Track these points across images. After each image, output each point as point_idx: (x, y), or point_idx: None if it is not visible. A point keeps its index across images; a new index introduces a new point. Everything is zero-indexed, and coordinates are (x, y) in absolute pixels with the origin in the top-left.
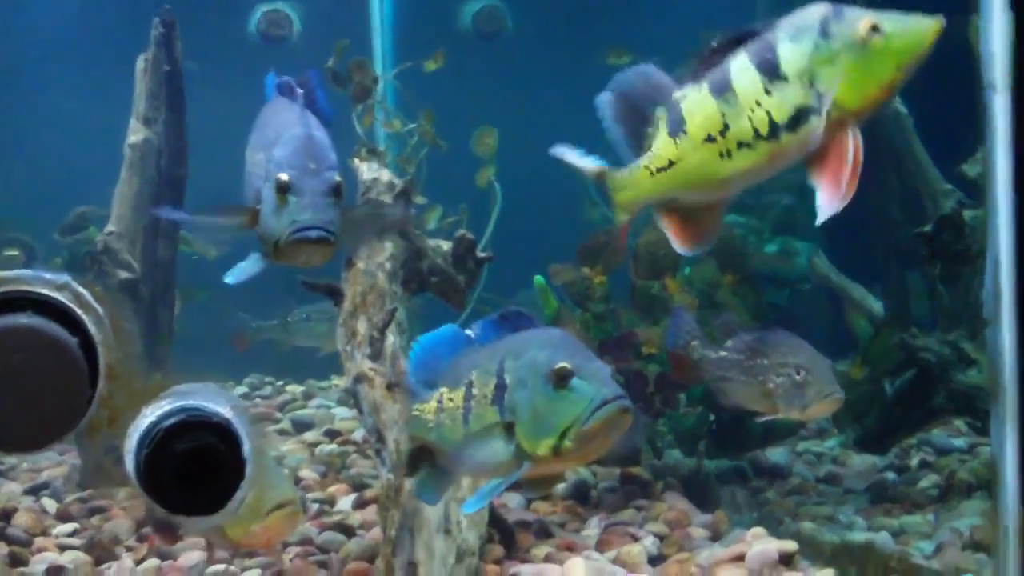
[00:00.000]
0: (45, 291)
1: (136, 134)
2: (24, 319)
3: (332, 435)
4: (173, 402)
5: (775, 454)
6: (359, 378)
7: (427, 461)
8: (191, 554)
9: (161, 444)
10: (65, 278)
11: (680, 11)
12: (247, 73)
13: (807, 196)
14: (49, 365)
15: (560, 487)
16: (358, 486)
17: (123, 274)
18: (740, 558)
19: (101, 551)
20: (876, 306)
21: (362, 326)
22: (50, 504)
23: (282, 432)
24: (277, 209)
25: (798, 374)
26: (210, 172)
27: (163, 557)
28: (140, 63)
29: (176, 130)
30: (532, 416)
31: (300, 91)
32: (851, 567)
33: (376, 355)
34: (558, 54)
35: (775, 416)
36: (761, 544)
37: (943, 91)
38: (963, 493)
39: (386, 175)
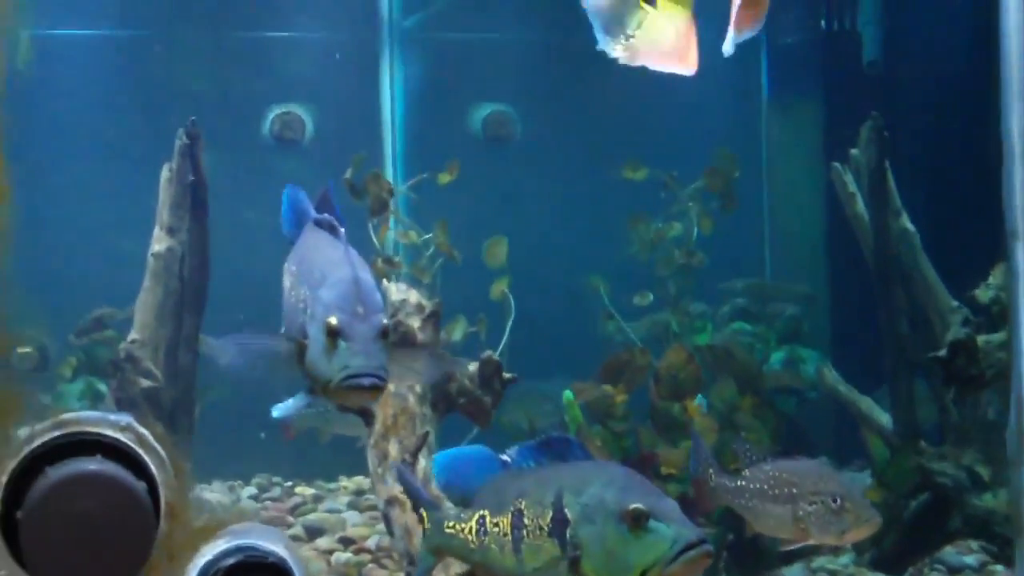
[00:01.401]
0: (109, 433)
1: (160, 243)
2: (93, 465)
3: (346, 542)
4: (229, 541)
5: (791, 571)
6: (391, 502)
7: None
8: None
9: None
10: (128, 419)
11: (685, 120)
12: (262, 175)
13: (813, 306)
14: (117, 509)
15: None
16: None
17: (145, 382)
18: None
19: None
20: (883, 418)
21: (393, 448)
22: None
23: (295, 538)
24: (327, 351)
25: (835, 502)
26: (226, 274)
27: None
28: (165, 173)
29: (199, 239)
30: (606, 556)
31: (342, 229)
32: None
33: None
34: (567, 159)
35: (807, 543)
36: None
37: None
38: None
39: (414, 296)
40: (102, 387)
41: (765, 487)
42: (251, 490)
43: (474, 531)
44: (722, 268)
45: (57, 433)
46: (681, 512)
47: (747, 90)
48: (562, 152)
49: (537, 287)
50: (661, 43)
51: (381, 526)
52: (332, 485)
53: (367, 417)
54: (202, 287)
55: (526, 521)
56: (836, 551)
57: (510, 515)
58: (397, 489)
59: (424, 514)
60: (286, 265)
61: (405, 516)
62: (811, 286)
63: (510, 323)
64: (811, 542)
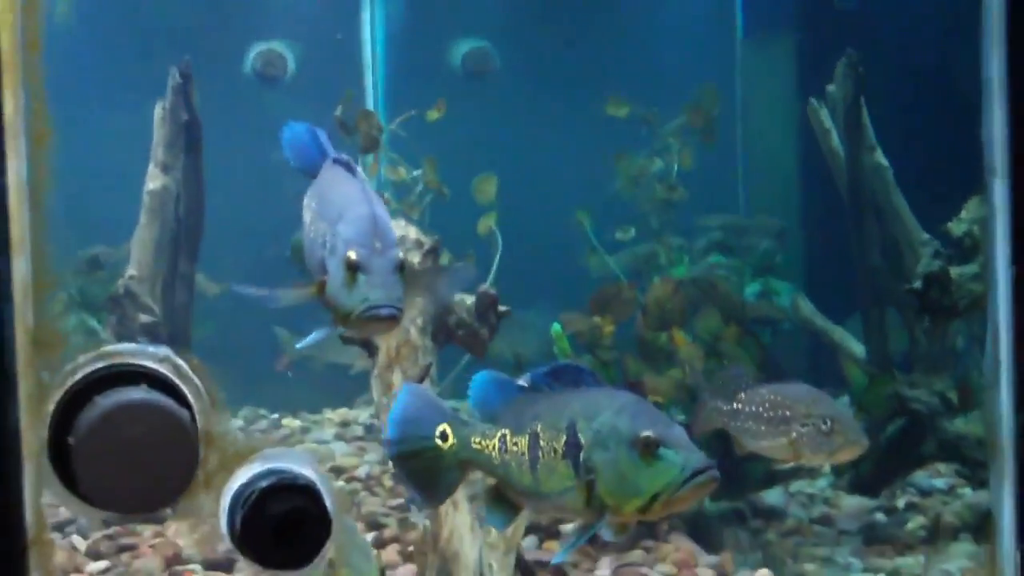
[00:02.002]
0: (149, 364)
1: (154, 181)
2: (139, 393)
3: (337, 472)
4: (262, 465)
5: (770, 495)
6: None
7: (495, 490)
8: None
9: (256, 505)
10: (166, 351)
11: (662, 56)
12: (245, 112)
13: (786, 240)
14: (164, 435)
15: (568, 527)
16: (374, 525)
17: (144, 317)
18: None
19: None
20: (856, 347)
21: (397, 378)
22: (79, 541)
23: None
24: (346, 284)
25: (825, 424)
26: (217, 211)
27: None
28: (158, 111)
29: (194, 177)
30: (618, 480)
31: (359, 168)
32: None
33: None
34: (547, 93)
35: (798, 463)
36: None
37: (922, 144)
38: (949, 535)
39: (413, 232)
40: (94, 323)
41: (759, 410)
42: (238, 422)
43: (496, 448)
44: (697, 203)
45: (100, 364)
46: (688, 439)
47: (722, 27)
48: (541, 88)
49: (522, 222)
50: None
51: (369, 456)
52: (317, 417)
53: (370, 349)
54: (197, 224)
55: (541, 443)
56: (813, 474)
57: (527, 436)
58: None
59: (450, 430)
60: (305, 201)
61: None
62: (784, 220)
63: (497, 257)
64: (802, 462)
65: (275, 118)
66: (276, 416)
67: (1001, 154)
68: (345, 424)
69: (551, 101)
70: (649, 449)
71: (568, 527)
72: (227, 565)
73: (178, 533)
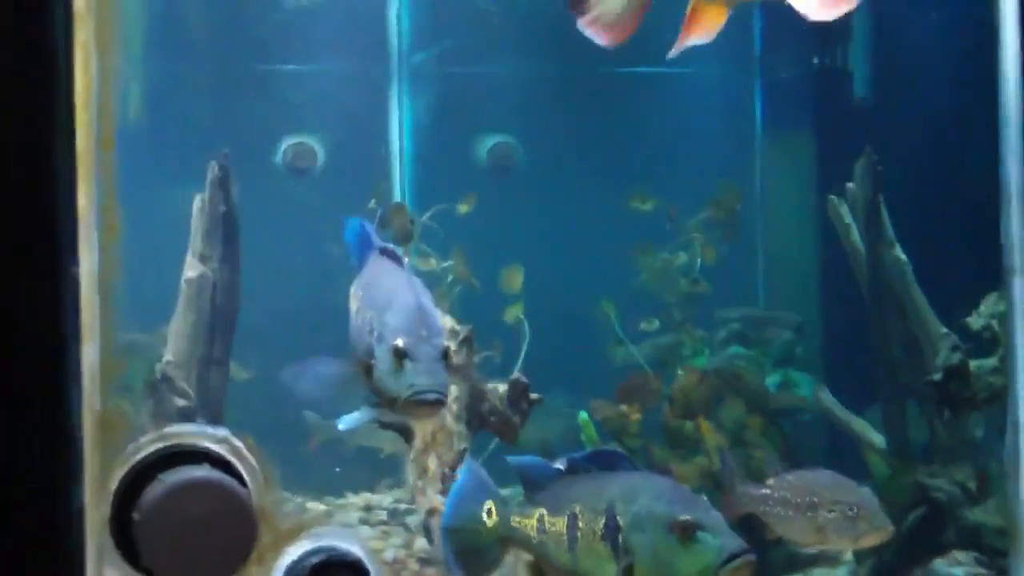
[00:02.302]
0: (208, 444)
1: (192, 270)
2: (202, 472)
3: None
4: (312, 542)
5: None
6: (431, 512)
7: (535, 568)
8: None
9: None
10: (225, 432)
11: (683, 153)
12: (276, 203)
13: (806, 332)
14: (225, 513)
15: None
16: None
17: (180, 402)
18: None
19: None
20: (876, 438)
21: (432, 463)
22: None
23: None
24: (393, 371)
25: (851, 510)
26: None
27: None
28: (197, 203)
29: (231, 267)
30: (657, 563)
31: (406, 259)
32: None
33: (447, 491)
34: (570, 188)
35: (824, 547)
36: None
37: (940, 241)
38: None
39: (448, 322)
40: (127, 407)
41: (788, 495)
42: None
43: (535, 528)
44: (718, 296)
45: (161, 445)
46: (725, 524)
47: (742, 125)
48: (565, 183)
49: (548, 313)
50: None
51: (394, 539)
52: (340, 501)
53: (407, 434)
54: (232, 312)
55: (580, 524)
56: (833, 563)
57: (566, 517)
58: (437, 500)
59: (494, 507)
60: (352, 290)
61: None
62: (803, 314)
63: (525, 346)
64: (829, 547)
65: (306, 210)
66: (300, 500)
67: (1020, 253)
68: (368, 508)
69: (575, 196)
70: (687, 532)
71: None
72: None
73: None
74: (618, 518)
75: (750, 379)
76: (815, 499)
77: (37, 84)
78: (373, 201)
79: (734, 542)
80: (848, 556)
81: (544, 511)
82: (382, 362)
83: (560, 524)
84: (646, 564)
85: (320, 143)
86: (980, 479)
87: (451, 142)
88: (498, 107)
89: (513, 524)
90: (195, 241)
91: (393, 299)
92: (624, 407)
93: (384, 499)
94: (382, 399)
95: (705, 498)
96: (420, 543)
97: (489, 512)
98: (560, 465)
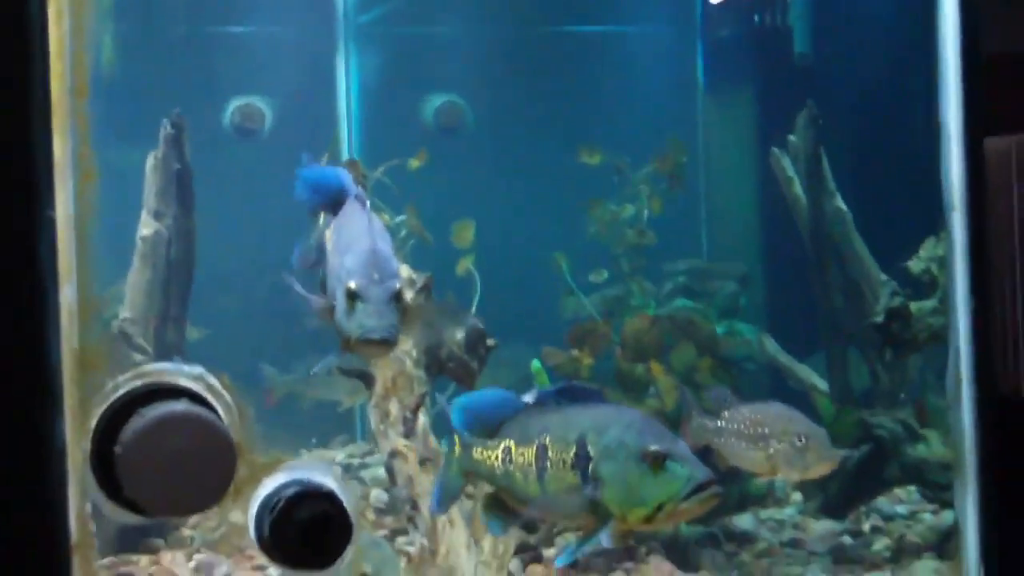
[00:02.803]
0: (184, 381)
1: (147, 227)
2: (182, 406)
3: None
4: (288, 475)
5: (742, 521)
6: (394, 454)
7: (494, 498)
8: None
9: (283, 511)
10: (200, 369)
11: (627, 110)
12: (225, 164)
13: (749, 284)
14: (206, 446)
15: (550, 552)
16: None
17: (137, 357)
18: None
19: None
20: (820, 384)
21: (394, 407)
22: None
23: None
24: (347, 312)
25: (800, 440)
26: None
27: None
28: (150, 160)
29: (185, 223)
30: (626, 490)
31: (368, 202)
32: None
33: (409, 433)
34: (519, 146)
35: (775, 477)
36: None
37: (879, 190)
38: (913, 555)
39: (405, 271)
40: None
41: (741, 427)
42: None
43: (500, 459)
44: (663, 249)
45: (139, 382)
46: (693, 455)
47: (684, 82)
48: (513, 141)
49: (498, 266)
50: None
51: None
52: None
53: (367, 380)
54: (188, 269)
55: (550, 455)
56: (781, 503)
57: (535, 448)
58: (400, 442)
59: (457, 439)
60: (327, 234)
61: (407, 466)
62: (746, 265)
63: (476, 298)
64: (779, 476)
65: (254, 169)
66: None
67: (959, 190)
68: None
69: (523, 153)
70: (657, 462)
71: (550, 552)
72: None
73: (174, 561)
74: (589, 448)
75: (701, 324)
76: (766, 430)
77: (12, 36)
78: (326, 158)
79: (702, 472)
80: (795, 498)
81: (511, 442)
82: (339, 303)
83: (528, 455)
84: (615, 492)
85: (268, 104)
86: (919, 409)
87: (398, 102)
88: (444, 67)
89: (475, 456)
90: (149, 198)
91: (352, 243)
92: (575, 352)
93: (337, 455)
94: (341, 340)
95: (671, 431)
96: (375, 494)
97: (452, 444)
98: (529, 398)
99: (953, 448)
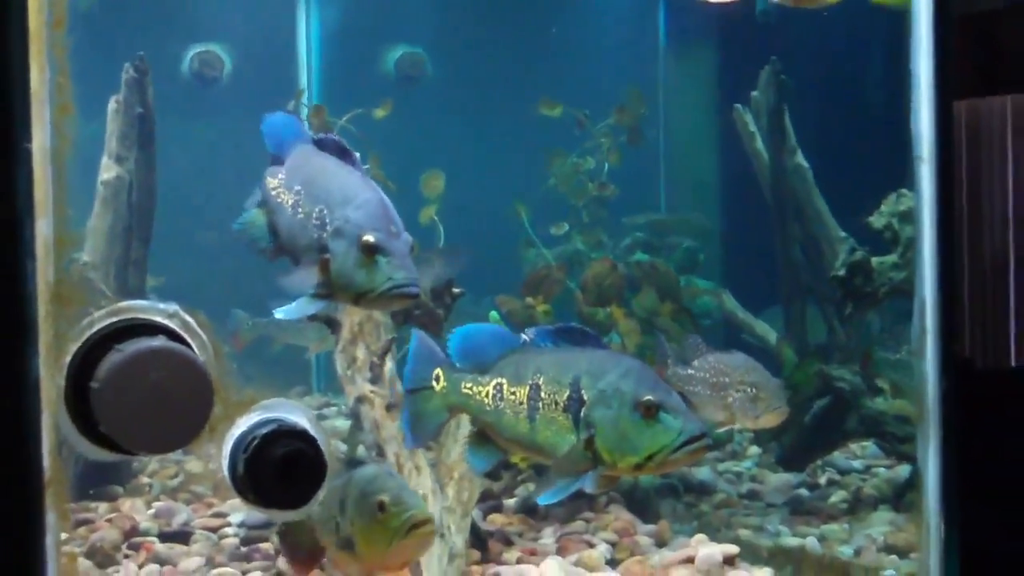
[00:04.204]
0: (159, 319)
1: (108, 171)
2: (160, 342)
3: None
4: (262, 414)
5: (700, 472)
6: (360, 399)
7: (481, 435)
8: (191, 560)
9: (258, 449)
10: (175, 307)
11: (588, 64)
12: (184, 111)
13: (708, 238)
14: (183, 381)
15: (510, 502)
16: None
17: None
18: (689, 560)
19: (103, 556)
20: (776, 339)
21: (360, 353)
22: None
23: None
24: (362, 265)
25: (752, 390)
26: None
27: (162, 563)
28: (112, 104)
29: (147, 168)
30: (618, 437)
31: (356, 153)
32: (787, 566)
33: (376, 379)
34: (479, 97)
35: (732, 426)
36: (706, 548)
37: (840, 147)
38: (870, 506)
39: None
40: None
41: (708, 376)
42: None
43: (490, 395)
44: (622, 202)
45: (115, 319)
46: (687, 407)
47: (645, 35)
48: (474, 92)
49: (460, 217)
50: None
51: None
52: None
53: (333, 326)
54: (149, 214)
55: (543, 395)
56: (738, 457)
57: (528, 387)
58: (367, 388)
59: (441, 373)
60: (275, 183)
61: (373, 412)
62: (706, 220)
63: (440, 247)
64: (737, 425)
65: (214, 117)
66: None
67: (928, 142)
68: None
69: (484, 104)
70: (651, 412)
71: (510, 502)
72: (183, 536)
73: (134, 508)
74: (583, 392)
75: (665, 269)
76: (726, 380)
77: None
78: (292, 104)
79: (694, 425)
80: (754, 449)
81: (504, 380)
82: (345, 257)
83: (520, 394)
84: (607, 438)
85: (227, 52)
86: (864, 356)
87: (359, 52)
88: (405, 17)
89: (464, 391)
90: (111, 143)
91: (351, 194)
92: (530, 299)
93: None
94: (345, 293)
95: (666, 383)
96: (334, 445)
97: (437, 377)
98: (526, 336)
99: (914, 399)
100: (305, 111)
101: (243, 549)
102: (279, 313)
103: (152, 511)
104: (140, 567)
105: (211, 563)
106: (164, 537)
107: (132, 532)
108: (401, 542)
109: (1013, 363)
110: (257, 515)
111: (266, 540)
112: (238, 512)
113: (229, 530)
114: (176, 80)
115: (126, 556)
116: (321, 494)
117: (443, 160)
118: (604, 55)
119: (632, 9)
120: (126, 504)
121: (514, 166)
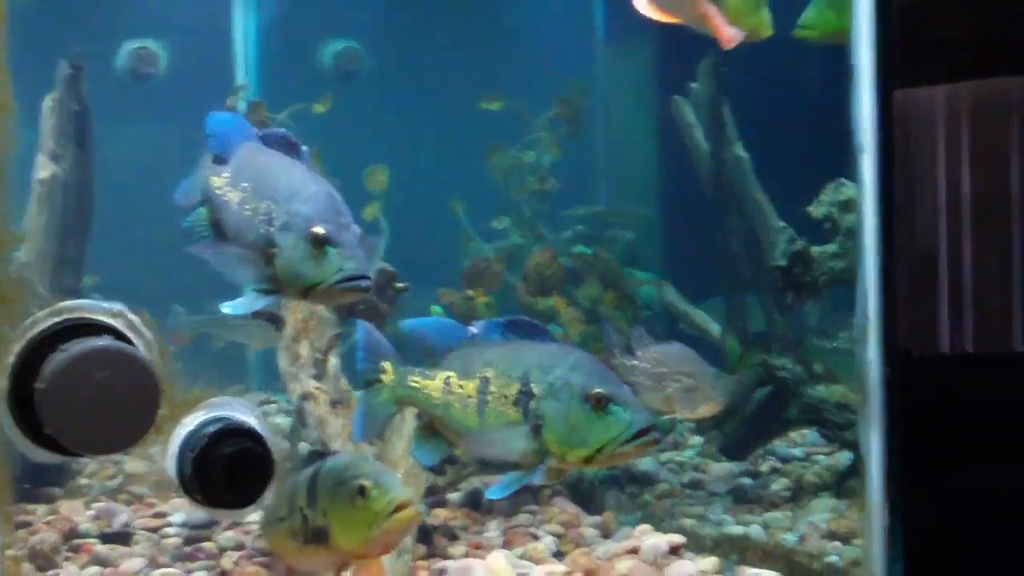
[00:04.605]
0: (104, 318)
1: (44, 170)
2: (106, 342)
3: None
4: (208, 413)
5: (643, 463)
6: (305, 396)
7: (428, 428)
8: (133, 561)
9: (206, 448)
10: (120, 306)
11: (526, 58)
12: (119, 108)
13: (649, 231)
14: (131, 381)
15: (454, 496)
16: None
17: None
18: (635, 551)
19: (43, 559)
20: (716, 329)
21: (304, 349)
22: None
23: None
24: (312, 258)
25: (689, 381)
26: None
27: (104, 564)
28: (47, 102)
29: (84, 166)
30: (567, 429)
31: (304, 147)
32: (732, 555)
33: (320, 375)
34: (418, 92)
35: (672, 416)
36: (651, 538)
37: (779, 142)
38: (811, 493)
39: None
40: None
41: (648, 366)
42: None
43: (439, 388)
44: (563, 196)
45: (58, 319)
46: (637, 400)
47: (582, 29)
48: (412, 87)
49: (402, 212)
50: None
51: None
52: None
53: (277, 322)
54: (86, 212)
55: (492, 388)
56: (680, 447)
57: (476, 380)
58: (311, 384)
59: (389, 366)
60: (221, 183)
61: (318, 408)
62: (646, 212)
63: (383, 242)
64: (676, 415)
65: (151, 113)
66: None
67: (870, 133)
68: None
69: (424, 98)
70: (601, 404)
71: (454, 496)
72: (124, 537)
73: (73, 510)
74: (532, 385)
75: (607, 258)
76: (665, 371)
77: None
78: (231, 99)
79: (643, 418)
80: (693, 440)
81: (452, 373)
82: (293, 250)
83: (469, 387)
84: (557, 431)
85: (163, 48)
86: (796, 346)
87: (296, 47)
88: (343, 12)
89: (411, 384)
90: (46, 141)
91: (299, 188)
92: (470, 291)
93: None
94: (293, 286)
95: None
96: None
97: (384, 370)
98: (474, 329)
99: (859, 385)
100: (244, 107)
101: (186, 549)
102: (226, 308)
103: (92, 512)
104: (82, 569)
105: (153, 564)
106: (104, 538)
107: (72, 534)
108: (384, 526)
109: (946, 350)
110: (199, 515)
111: (209, 540)
112: (179, 512)
113: (170, 530)
114: (112, 77)
115: (67, 558)
116: (268, 494)
117: (383, 155)
118: (542, 47)
119: (571, 6)
120: (65, 506)
121: (456, 160)
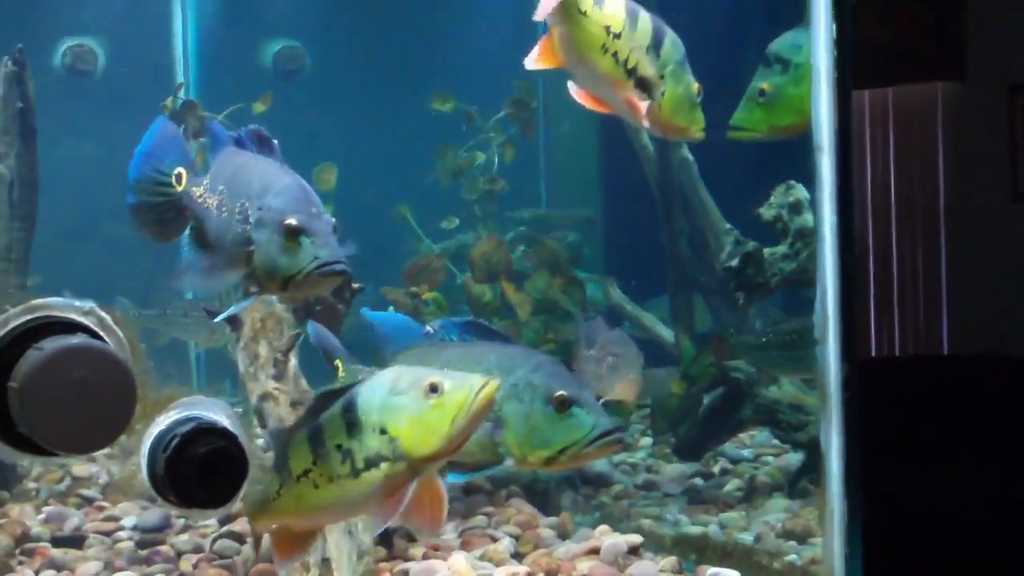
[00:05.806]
0: (75, 316)
1: None
2: (81, 339)
3: None
4: (181, 412)
5: (596, 464)
6: (264, 396)
7: None
8: (88, 565)
9: (179, 448)
10: (91, 305)
11: (469, 52)
12: (55, 106)
13: (592, 232)
14: (108, 379)
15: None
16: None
17: None
18: (595, 551)
19: None
20: (664, 331)
21: (263, 349)
22: None
23: None
24: (287, 250)
25: (612, 360)
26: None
27: (59, 568)
28: None
29: (28, 164)
30: (529, 431)
31: (275, 141)
32: (691, 554)
33: (280, 376)
34: (362, 92)
35: (603, 399)
36: (610, 539)
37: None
38: (765, 493)
39: None
40: None
41: (599, 355)
42: None
43: None
44: (506, 199)
45: (29, 317)
46: (599, 403)
47: (529, 31)
48: (356, 86)
49: (350, 213)
50: None
51: None
52: None
53: (234, 323)
54: (31, 211)
55: None
56: (631, 449)
57: None
58: (271, 385)
59: (340, 364)
60: (200, 191)
61: (278, 408)
62: (589, 210)
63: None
64: (605, 398)
65: (87, 111)
66: None
67: (828, 133)
68: None
69: (367, 98)
70: (564, 406)
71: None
72: (77, 541)
73: (23, 513)
74: None
75: (554, 247)
76: (595, 352)
77: None
78: (170, 99)
79: (606, 420)
80: (644, 441)
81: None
82: (268, 244)
83: None
84: (518, 432)
85: (101, 45)
86: (719, 346)
87: (236, 46)
88: (283, 10)
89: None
90: None
91: (269, 183)
92: (414, 288)
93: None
94: (272, 281)
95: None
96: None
97: (336, 369)
98: (431, 328)
99: (819, 381)
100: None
101: (141, 552)
102: (225, 313)
103: (42, 516)
104: (37, 573)
105: (110, 567)
106: (57, 542)
107: (24, 538)
108: (473, 409)
109: (872, 353)
110: (151, 518)
111: (163, 543)
112: (130, 516)
113: (123, 534)
114: (49, 74)
115: (20, 563)
116: (240, 495)
117: (328, 155)
118: (486, 47)
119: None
120: (15, 510)
121: (403, 160)
